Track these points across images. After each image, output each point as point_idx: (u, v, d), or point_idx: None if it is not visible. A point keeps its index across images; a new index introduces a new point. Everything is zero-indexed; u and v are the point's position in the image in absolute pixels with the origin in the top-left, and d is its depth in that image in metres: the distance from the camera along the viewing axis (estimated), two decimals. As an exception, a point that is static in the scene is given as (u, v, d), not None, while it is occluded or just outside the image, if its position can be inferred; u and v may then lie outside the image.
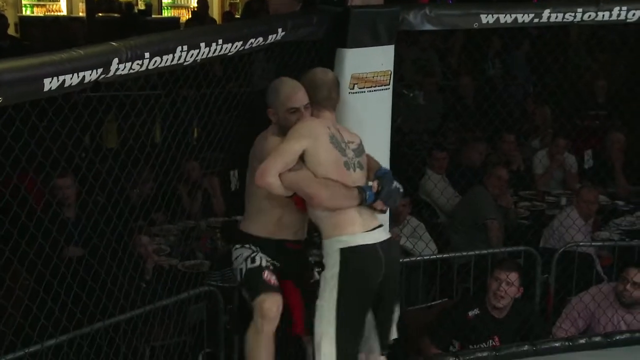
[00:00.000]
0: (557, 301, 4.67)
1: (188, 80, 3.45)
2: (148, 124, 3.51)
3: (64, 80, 2.30)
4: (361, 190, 2.95)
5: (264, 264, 3.06)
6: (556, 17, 3.75)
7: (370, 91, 3.53)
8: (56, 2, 12.37)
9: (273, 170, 2.87)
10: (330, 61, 3.43)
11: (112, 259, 3.30)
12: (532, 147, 6.54)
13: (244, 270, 3.07)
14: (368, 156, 3.15)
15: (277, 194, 2.94)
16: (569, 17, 3.77)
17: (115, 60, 2.47)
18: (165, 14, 12.90)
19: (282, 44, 3.36)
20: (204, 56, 2.83)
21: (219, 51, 2.90)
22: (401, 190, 3.04)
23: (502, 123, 5.50)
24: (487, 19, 3.67)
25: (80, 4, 12.14)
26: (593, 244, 5.08)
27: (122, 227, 3.33)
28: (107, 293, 3.32)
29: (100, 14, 11.77)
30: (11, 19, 10.41)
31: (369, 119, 3.49)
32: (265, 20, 3.65)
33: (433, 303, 4.57)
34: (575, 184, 6.01)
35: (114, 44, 2.50)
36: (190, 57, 2.76)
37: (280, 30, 3.20)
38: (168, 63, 2.69)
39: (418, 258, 4.59)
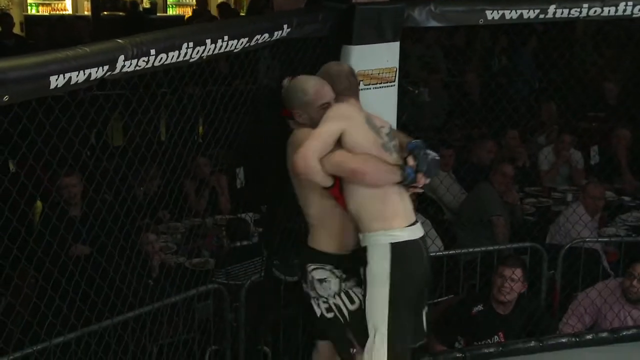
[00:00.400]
0: (564, 297, 4.67)
1: (194, 78, 3.45)
2: (155, 121, 3.51)
3: (70, 78, 2.30)
4: (401, 167, 2.88)
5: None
6: (562, 13, 3.74)
7: (375, 88, 3.53)
8: (61, 1, 12.39)
9: (313, 153, 2.76)
10: (335, 58, 3.43)
11: (119, 257, 3.31)
12: (538, 144, 6.53)
13: (345, 313, 3.01)
14: (400, 134, 3.10)
15: (316, 183, 2.84)
16: (574, 12, 3.76)
17: (121, 57, 2.47)
18: (170, 12, 12.91)
19: (288, 41, 3.36)
20: (210, 53, 2.83)
21: (225, 48, 2.90)
22: (437, 157, 2.94)
23: (508, 119, 5.49)
24: (492, 15, 3.66)
25: (86, 2, 12.17)
26: (599, 239, 5.07)
27: (129, 225, 3.34)
28: (114, 291, 3.33)
29: (105, 13, 11.80)
30: (16, 18, 10.44)
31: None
32: (270, 16, 3.65)
33: (439, 300, 4.57)
34: (581, 180, 6.00)
35: (119, 41, 2.50)
36: (196, 53, 2.76)
37: (285, 26, 3.20)
38: (174, 60, 2.68)
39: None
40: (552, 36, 7.06)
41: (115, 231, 3.27)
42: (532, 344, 4.12)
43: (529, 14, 3.70)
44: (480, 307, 4.21)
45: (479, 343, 4.17)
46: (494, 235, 5.15)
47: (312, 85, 2.96)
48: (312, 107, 2.95)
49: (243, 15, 10.71)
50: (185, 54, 2.72)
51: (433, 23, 3.66)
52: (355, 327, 3.01)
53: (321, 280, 3.02)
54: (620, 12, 3.79)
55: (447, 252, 4.69)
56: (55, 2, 12.40)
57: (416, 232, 2.95)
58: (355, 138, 2.85)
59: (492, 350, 4.06)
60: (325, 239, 3.02)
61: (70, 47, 2.36)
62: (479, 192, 5.35)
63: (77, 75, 2.33)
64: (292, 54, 3.45)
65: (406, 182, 2.90)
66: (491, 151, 5.97)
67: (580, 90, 5.72)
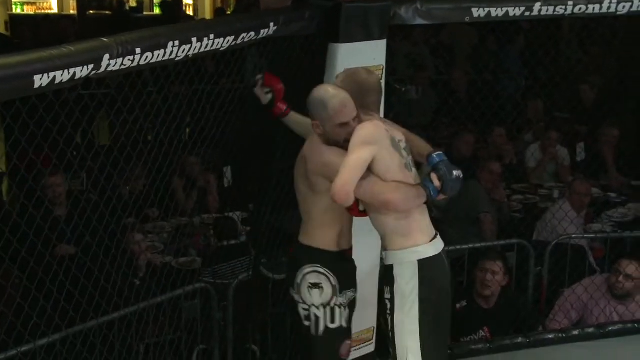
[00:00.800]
0: (550, 293, 4.69)
1: (180, 76, 3.44)
2: (140, 120, 3.50)
3: (54, 77, 2.29)
4: (425, 187, 2.84)
5: (344, 323, 2.96)
6: (547, 10, 3.75)
7: (362, 86, 3.52)
8: (47, 0, 12.32)
9: (351, 185, 2.73)
10: (322, 56, 3.43)
11: (104, 256, 3.29)
12: (525, 141, 6.56)
13: (320, 328, 2.96)
14: (414, 138, 3.04)
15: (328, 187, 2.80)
16: (560, 10, 3.77)
17: (107, 56, 2.45)
18: (157, 11, 12.86)
19: (274, 40, 3.35)
20: (196, 51, 2.82)
21: (211, 46, 2.88)
22: (461, 176, 2.88)
23: (495, 117, 5.50)
24: (478, 12, 3.67)
25: (71, 1, 12.11)
26: (585, 236, 5.09)
27: (114, 225, 3.32)
28: (100, 291, 3.31)
29: (91, 12, 11.75)
30: (1, 18, 10.39)
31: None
32: (257, 14, 3.64)
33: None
34: (567, 176, 6.03)
35: (104, 39, 2.48)
36: (182, 52, 2.75)
37: (272, 24, 3.19)
38: (160, 59, 2.67)
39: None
40: (538, 34, 7.09)
41: (100, 231, 3.25)
42: (519, 340, 4.14)
43: (515, 11, 3.71)
44: (464, 303, 4.25)
45: (465, 339, 4.19)
46: (482, 233, 5.16)
47: (334, 102, 2.84)
48: (328, 123, 2.86)
49: (229, 14, 10.71)
50: (171, 52, 2.71)
51: (419, 21, 3.66)
52: (321, 347, 2.97)
53: (313, 286, 2.95)
54: (604, 10, 3.80)
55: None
56: (40, 1, 12.32)
57: (438, 246, 2.93)
58: (386, 163, 2.81)
59: (479, 346, 4.08)
60: (321, 236, 2.97)
61: (55, 46, 2.34)
62: (467, 190, 5.35)
63: (62, 75, 2.31)
64: (280, 53, 3.44)
65: (430, 200, 2.86)
66: (468, 143, 5.99)
67: (566, 88, 5.74)
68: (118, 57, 2.49)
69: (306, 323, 2.99)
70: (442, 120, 7.01)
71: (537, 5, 3.72)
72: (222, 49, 2.96)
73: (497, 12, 3.69)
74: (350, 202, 2.77)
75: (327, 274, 2.95)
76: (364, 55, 3.48)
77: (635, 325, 4.32)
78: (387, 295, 2.89)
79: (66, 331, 3.24)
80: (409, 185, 2.85)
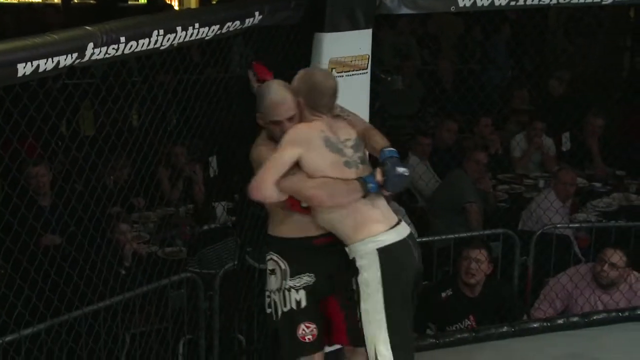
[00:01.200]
0: (536, 283, 4.72)
1: (165, 65, 3.42)
2: (125, 109, 3.48)
3: (38, 66, 2.28)
4: (362, 181, 2.87)
5: (294, 306, 2.95)
6: (532, 0, 3.76)
7: (348, 75, 3.53)
8: (30, -12, 12.19)
9: (268, 183, 2.82)
10: (308, 46, 3.42)
11: (90, 246, 3.28)
12: (511, 131, 6.57)
13: (278, 312, 2.98)
14: (374, 134, 3.04)
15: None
16: (545, -1, 3.78)
17: (91, 44, 2.44)
18: (142, 0, 12.77)
19: (260, 29, 3.34)
20: (181, 40, 2.81)
21: (196, 35, 2.87)
22: (406, 174, 2.92)
23: (481, 107, 5.51)
24: (464, 2, 3.66)
25: (56, -10, 11.98)
26: (571, 225, 5.12)
27: (99, 214, 3.31)
28: (85, 280, 3.30)
29: (75, 0, 11.64)
30: (-16, 6, 10.27)
31: (347, 103, 3.47)
32: (242, 4, 3.63)
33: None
34: (553, 166, 6.04)
35: (88, 28, 2.47)
36: (167, 41, 2.74)
37: (257, 14, 3.18)
38: (144, 47, 2.66)
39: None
40: (524, 23, 7.09)
41: (85, 220, 3.24)
42: (505, 329, 4.16)
43: (500, 1, 3.71)
44: (449, 292, 4.27)
45: (451, 327, 4.21)
46: (467, 222, 5.18)
47: (272, 98, 2.91)
48: (264, 118, 2.94)
49: (214, 3, 10.65)
50: (156, 41, 2.70)
51: (405, 10, 3.65)
52: (282, 332, 2.99)
53: (271, 272, 3.02)
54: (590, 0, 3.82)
55: (420, 239, 4.70)
56: (24, -11, 12.19)
57: (401, 232, 2.95)
58: (312, 163, 2.87)
59: (465, 335, 4.10)
60: (274, 224, 3.03)
61: (39, 35, 2.32)
62: (453, 179, 5.38)
63: (46, 63, 2.30)
64: (265, 42, 3.43)
65: (370, 194, 2.89)
66: (451, 130, 6.00)
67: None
68: (102, 45, 2.48)
69: (268, 310, 3.05)
70: (428, 109, 7.01)
71: (523, -5, 3.73)
72: (207, 38, 2.95)
73: (482, 1, 3.69)
74: (267, 199, 2.87)
75: (277, 259, 2.99)
76: (349, 45, 3.48)
77: (619, 314, 4.35)
78: (353, 287, 2.93)
79: (51, 320, 3.23)
80: (338, 181, 2.87)
